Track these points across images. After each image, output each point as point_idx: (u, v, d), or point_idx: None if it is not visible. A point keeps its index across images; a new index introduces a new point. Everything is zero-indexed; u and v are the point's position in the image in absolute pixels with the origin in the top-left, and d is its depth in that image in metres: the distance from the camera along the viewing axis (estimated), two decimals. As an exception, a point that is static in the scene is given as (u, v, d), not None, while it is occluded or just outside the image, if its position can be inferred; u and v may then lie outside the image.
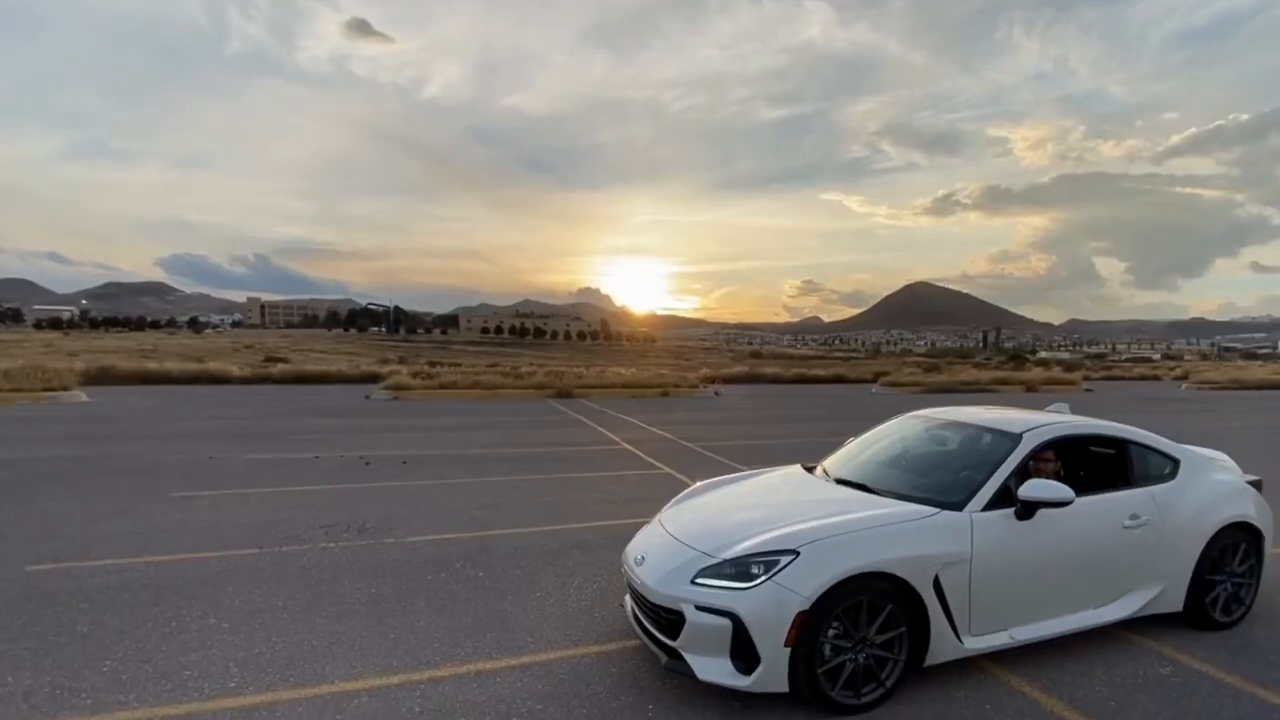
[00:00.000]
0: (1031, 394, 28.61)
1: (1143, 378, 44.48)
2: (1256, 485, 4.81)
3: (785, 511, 3.89)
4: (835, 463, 4.86)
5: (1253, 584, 4.57)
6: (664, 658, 3.52)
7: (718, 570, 3.42)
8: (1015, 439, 4.14)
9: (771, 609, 3.20)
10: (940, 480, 4.15)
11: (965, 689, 3.61)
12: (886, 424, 5.21)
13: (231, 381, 27.16)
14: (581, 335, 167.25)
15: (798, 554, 3.34)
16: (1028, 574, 3.80)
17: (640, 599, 3.77)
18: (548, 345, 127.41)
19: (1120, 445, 4.45)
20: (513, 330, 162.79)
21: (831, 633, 3.32)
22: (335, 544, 6.00)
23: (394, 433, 13.56)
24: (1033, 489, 3.75)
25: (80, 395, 20.07)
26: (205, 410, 16.98)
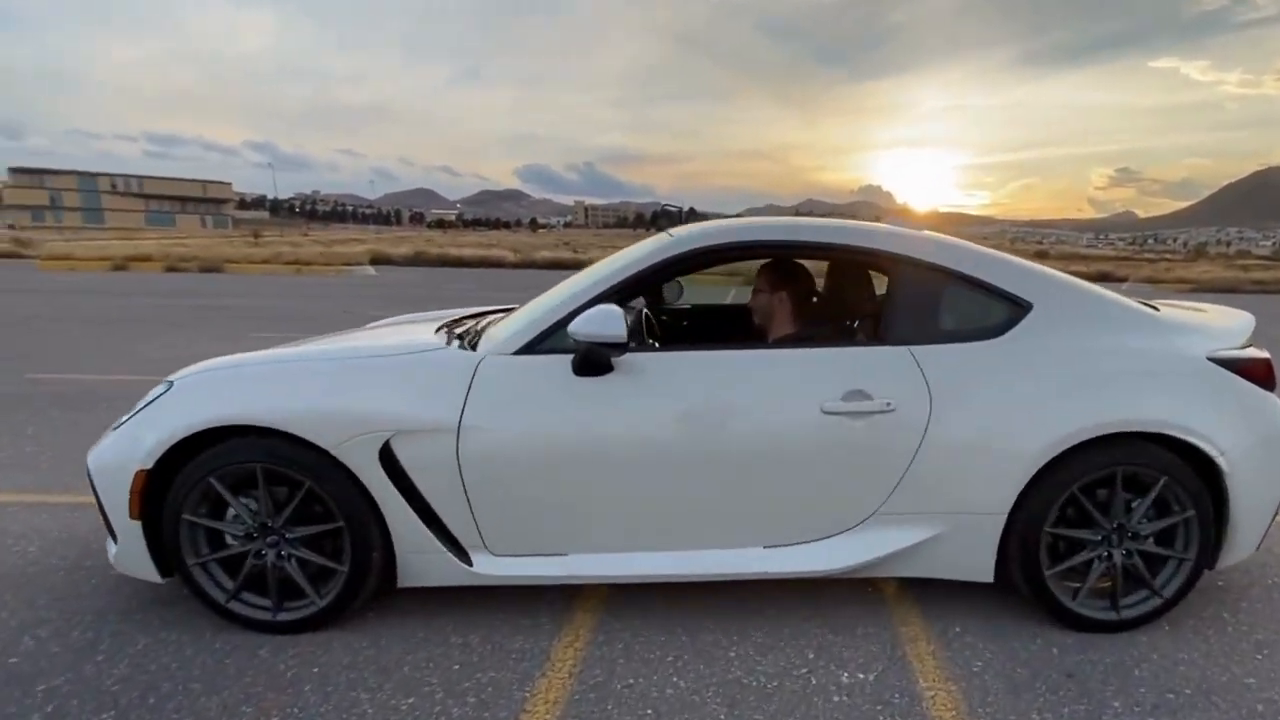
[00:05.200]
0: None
1: None
2: (1247, 369, 2.29)
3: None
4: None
5: (1185, 559, 2.28)
6: None
7: None
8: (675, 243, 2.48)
9: (113, 463, 2.27)
10: None
11: (489, 626, 2.36)
12: None
13: (505, 266, 29.94)
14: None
15: (171, 385, 2.36)
16: (604, 467, 2.25)
17: None
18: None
19: (889, 263, 2.39)
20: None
21: (230, 514, 2.31)
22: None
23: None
24: (582, 321, 2.15)
25: (369, 270, 23.57)
26: (435, 283, 18.58)
